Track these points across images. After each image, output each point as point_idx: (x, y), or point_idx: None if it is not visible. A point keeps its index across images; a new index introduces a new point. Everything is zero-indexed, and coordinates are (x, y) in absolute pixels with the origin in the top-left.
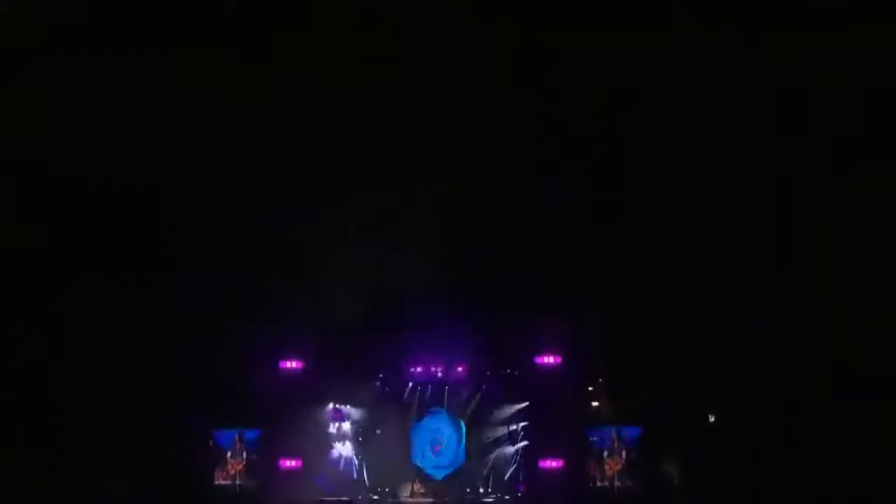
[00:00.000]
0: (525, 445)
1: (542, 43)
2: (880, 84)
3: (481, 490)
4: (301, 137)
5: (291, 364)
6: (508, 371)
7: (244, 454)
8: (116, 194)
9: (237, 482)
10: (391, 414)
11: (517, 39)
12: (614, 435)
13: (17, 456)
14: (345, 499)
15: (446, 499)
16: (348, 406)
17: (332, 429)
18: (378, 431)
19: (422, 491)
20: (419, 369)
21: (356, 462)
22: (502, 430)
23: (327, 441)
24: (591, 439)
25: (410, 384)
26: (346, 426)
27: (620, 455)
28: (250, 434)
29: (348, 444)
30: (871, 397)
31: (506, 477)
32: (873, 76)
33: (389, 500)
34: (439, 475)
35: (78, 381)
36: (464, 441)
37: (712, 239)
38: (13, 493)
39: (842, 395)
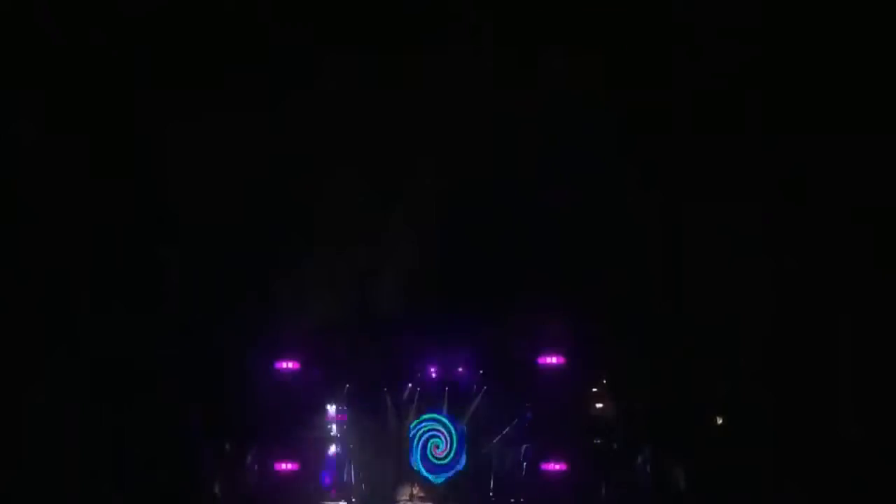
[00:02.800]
0: (527, 448)
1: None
2: None
3: (481, 494)
4: (297, 135)
5: (287, 364)
6: (510, 371)
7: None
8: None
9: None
10: (389, 415)
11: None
12: (619, 438)
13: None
14: (341, 503)
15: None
16: (345, 407)
17: (329, 431)
18: (375, 433)
19: (420, 495)
20: (418, 369)
21: (352, 465)
22: (504, 433)
23: (324, 443)
24: (595, 442)
25: (409, 385)
26: (343, 428)
27: (625, 458)
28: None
29: (345, 447)
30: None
31: (507, 481)
32: None
33: None
34: (438, 479)
35: (65, 385)
36: (464, 443)
37: (716, 233)
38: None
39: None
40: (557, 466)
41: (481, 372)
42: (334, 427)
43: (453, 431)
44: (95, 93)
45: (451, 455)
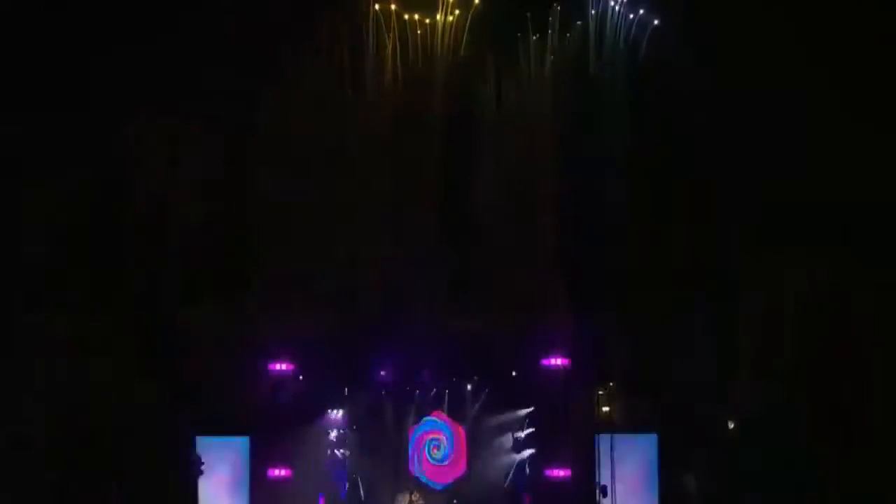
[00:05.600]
0: (530, 453)
1: None
2: None
3: (483, 501)
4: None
5: (281, 366)
6: (513, 374)
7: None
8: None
9: None
10: (388, 419)
11: None
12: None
13: None
14: None
15: None
16: (342, 411)
17: (325, 435)
18: (374, 438)
19: (420, 502)
20: (418, 371)
21: (349, 471)
22: (506, 437)
23: (319, 449)
24: (600, 447)
25: (408, 387)
26: (340, 433)
27: (632, 463)
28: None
29: (342, 452)
30: None
31: (510, 487)
32: None
33: None
34: (438, 485)
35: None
36: (465, 449)
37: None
38: None
39: None
40: (562, 472)
41: (482, 374)
42: (330, 432)
43: (454, 436)
44: None
45: (452, 461)
